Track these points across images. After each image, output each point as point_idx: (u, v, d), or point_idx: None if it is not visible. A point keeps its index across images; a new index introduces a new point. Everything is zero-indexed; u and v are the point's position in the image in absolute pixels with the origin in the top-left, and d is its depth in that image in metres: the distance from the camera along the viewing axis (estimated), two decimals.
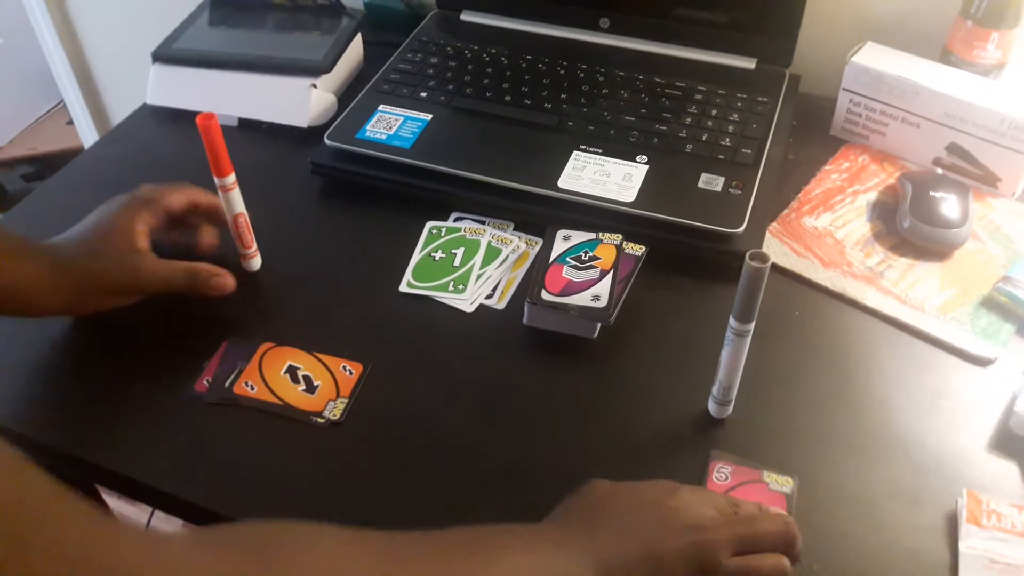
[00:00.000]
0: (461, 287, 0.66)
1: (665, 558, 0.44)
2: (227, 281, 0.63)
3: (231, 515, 0.53)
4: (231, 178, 0.62)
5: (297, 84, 0.82)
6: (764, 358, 0.60)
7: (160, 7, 0.97)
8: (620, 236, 0.66)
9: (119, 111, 1.40)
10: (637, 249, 0.66)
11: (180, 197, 0.64)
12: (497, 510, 0.53)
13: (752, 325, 0.51)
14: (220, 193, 0.63)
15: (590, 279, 0.63)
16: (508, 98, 0.79)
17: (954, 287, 0.66)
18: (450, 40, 0.87)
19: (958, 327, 0.63)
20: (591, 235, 0.66)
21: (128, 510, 1.42)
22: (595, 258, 0.64)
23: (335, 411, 0.57)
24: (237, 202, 0.64)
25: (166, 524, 1.43)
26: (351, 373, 0.60)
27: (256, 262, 0.68)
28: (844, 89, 0.78)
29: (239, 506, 0.53)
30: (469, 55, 0.85)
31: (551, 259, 0.65)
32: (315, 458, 0.56)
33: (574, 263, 0.64)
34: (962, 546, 0.50)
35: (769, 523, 0.46)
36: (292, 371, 0.60)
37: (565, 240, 0.66)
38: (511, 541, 0.43)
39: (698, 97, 0.79)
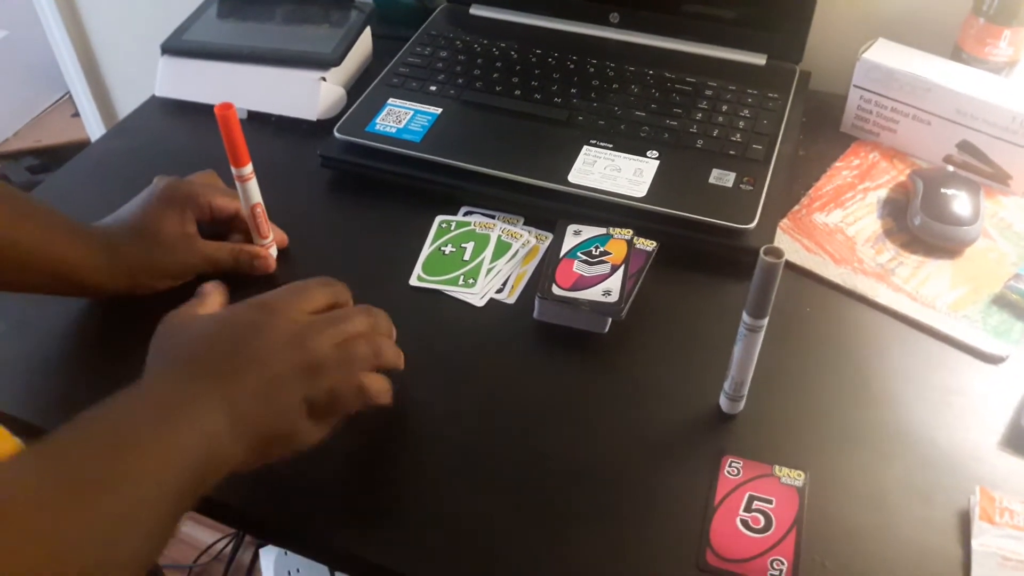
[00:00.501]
0: (471, 281, 0.66)
1: (282, 377, 0.46)
2: (270, 263, 0.66)
3: (245, 508, 0.53)
4: (248, 168, 0.62)
5: (306, 77, 0.82)
6: (775, 354, 0.59)
7: None
8: (631, 231, 0.66)
9: (125, 103, 1.40)
10: (648, 244, 0.66)
11: (229, 204, 0.65)
12: (505, 505, 0.53)
13: (765, 321, 0.51)
14: (237, 183, 0.63)
15: (601, 274, 0.63)
16: (518, 92, 0.79)
17: (965, 285, 0.66)
18: (459, 34, 0.87)
19: (969, 325, 0.63)
20: (602, 230, 0.66)
21: None
22: (606, 253, 0.64)
23: None
24: (254, 192, 0.64)
25: (187, 525, 1.43)
26: None
27: (272, 252, 0.68)
28: (855, 86, 0.78)
29: (253, 498, 0.53)
30: (479, 49, 0.85)
31: (561, 254, 0.65)
32: (321, 451, 0.56)
33: (585, 258, 0.64)
34: (975, 543, 0.50)
35: (355, 313, 0.52)
36: None
37: (576, 235, 0.66)
38: (134, 434, 0.42)
39: (709, 93, 0.79)
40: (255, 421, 0.45)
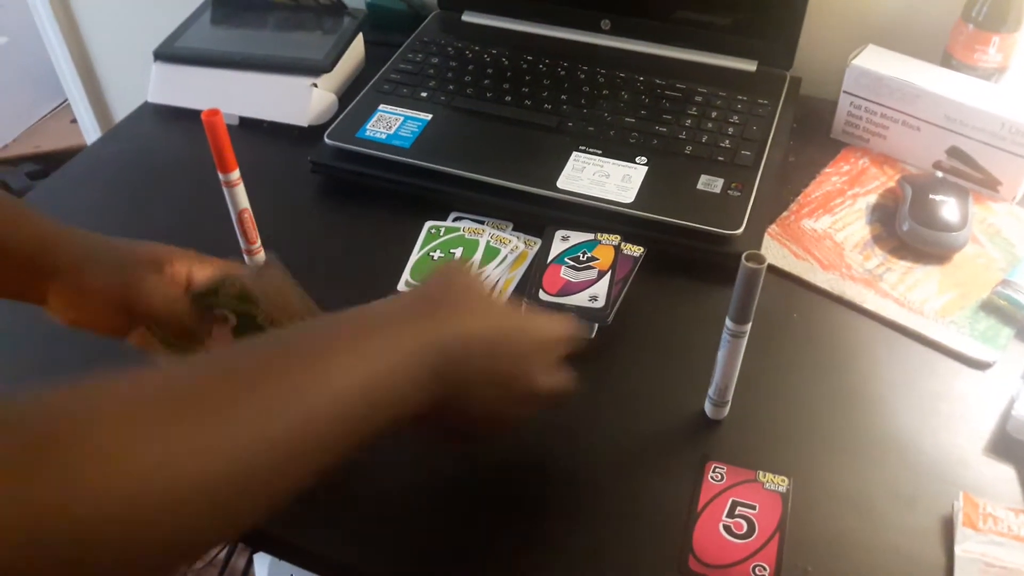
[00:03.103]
0: None
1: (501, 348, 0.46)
2: None
3: None
4: (235, 174, 0.62)
5: (298, 83, 0.82)
6: (762, 360, 0.60)
7: (163, 6, 0.97)
8: (618, 237, 0.66)
9: (122, 109, 1.41)
10: (635, 250, 0.66)
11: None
12: (491, 508, 0.53)
13: (748, 326, 0.51)
14: (225, 189, 0.63)
15: (588, 279, 0.63)
16: (508, 99, 0.79)
17: (953, 290, 0.66)
18: (451, 40, 0.88)
19: (957, 330, 0.63)
20: (589, 236, 0.66)
21: None
22: (593, 259, 0.64)
23: None
24: (241, 198, 0.64)
25: None
26: None
27: (261, 257, 0.68)
28: (845, 92, 0.78)
29: None
30: (470, 55, 0.85)
31: (549, 259, 0.65)
32: None
33: (572, 263, 0.64)
34: (958, 549, 0.50)
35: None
36: None
37: (564, 240, 0.66)
38: (334, 342, 0.41)
39: (698, 99, 0.79)
40: (456, 387, 0.43)
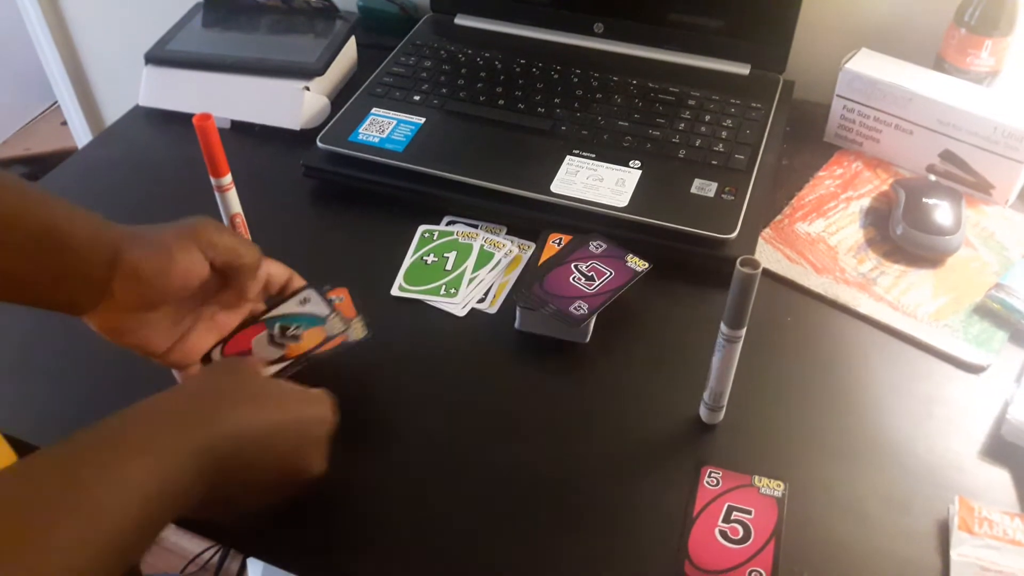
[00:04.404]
0: (453, 291, 0.66)
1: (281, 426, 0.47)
2: None
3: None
4: (227, 178, 0.62)
5: (290, 87, 0.82)
6: (756, 364, 0.59)
7: (154, 9, 0.97)
8: (635, 257, 0.65)
9: (113, 112, 1.40)
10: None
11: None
12: (485, 515, 0.53)
13: (743, 331, 0.51)
14: (216, 193, 0.63)
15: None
16: (501, 102, 0.79)
17: (947, 294, 0.66)
18: (444, 44, 0.87)
19: (951, 334, 0.63)
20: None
21: None
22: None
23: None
24: (234, 202, 0.64)
25: (175, 534, 1.42)
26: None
27: None
28: (838, 95, 0.78)
29: None
30: (463, 59, 0.85)
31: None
32: None
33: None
34: (953, 553, 0.50)
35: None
36: None
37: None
38: (114, 456, 0.40)
39: (692, 103, 0.79)
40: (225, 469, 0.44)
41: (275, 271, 0.58)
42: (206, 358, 0.55)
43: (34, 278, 0.49)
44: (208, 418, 0.44)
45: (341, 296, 0.59)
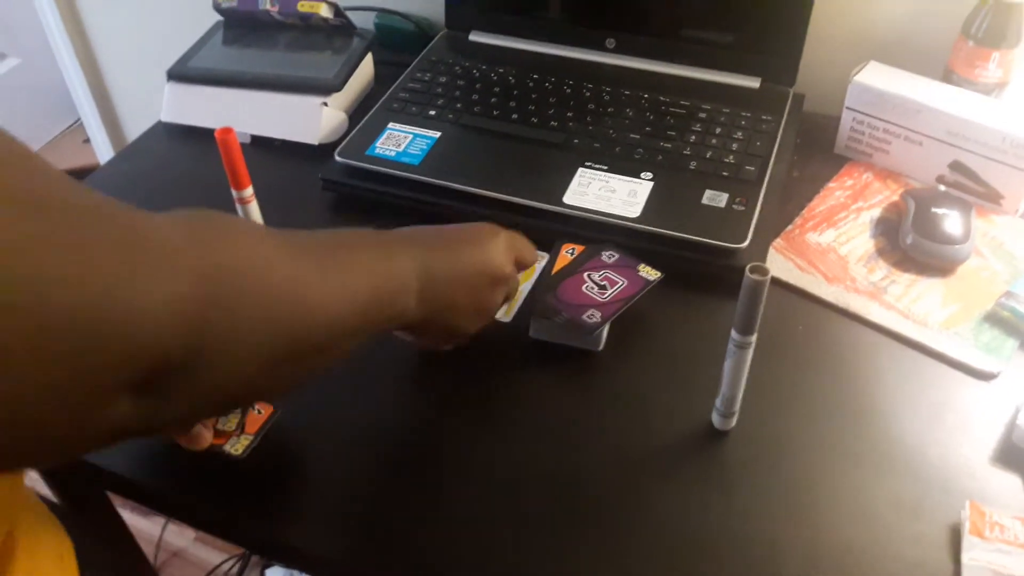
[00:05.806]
0: None
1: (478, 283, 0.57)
2: None
3: (249, 520, 0.54)
4: (249, 191, 0.64)
5: (308, 102, 0.83)
6: (769, 371, 0.60)
7: (175, 27, 0.99)
8: (649, 267, 0.66)
9: (135, 129, 1.43)
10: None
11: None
12: (499, 520, 0.54)
13: (753, 338, 0.52)
14: (238, 205, 0.64)
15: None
16: (515, 116, 0.81)
17: (957, 303, 0.67)
18: (459, 60, 0.89)
19: (961, 342, 0.64)
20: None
21: (141, 523, 1.43)
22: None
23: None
24: (255, 215, 0.65)
25: (178, 537, 1.44)
26: None
27: None
28: (847, 108, 0.79)
29: (256, 516, 0.54)
30: (477, 74, 0.87)
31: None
32: (321, 469, 0.57)
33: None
34: (965, 558, 0.50)
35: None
36: None
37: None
38: (363, 242, 0.52)
39: (702, 115, 0.80)
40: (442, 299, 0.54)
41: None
42: None
43: None
44: (431, 244, 0.54)
45: None
